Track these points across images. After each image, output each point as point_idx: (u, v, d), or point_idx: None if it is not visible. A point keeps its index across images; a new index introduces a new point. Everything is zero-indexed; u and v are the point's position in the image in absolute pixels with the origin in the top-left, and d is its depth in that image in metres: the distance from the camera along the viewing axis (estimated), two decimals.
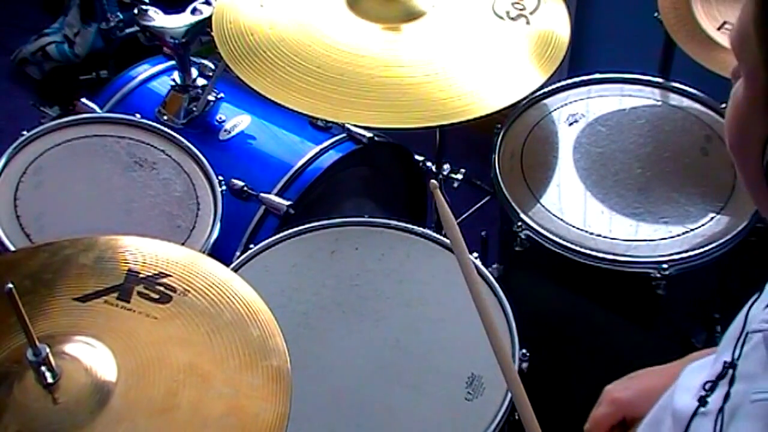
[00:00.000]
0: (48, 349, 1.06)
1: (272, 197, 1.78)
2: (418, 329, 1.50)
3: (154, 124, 1.82)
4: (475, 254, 1.57)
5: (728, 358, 0.88)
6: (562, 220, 1.70)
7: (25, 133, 1.74)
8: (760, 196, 0.83)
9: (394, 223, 1.64)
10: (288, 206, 1.76)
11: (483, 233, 1.95)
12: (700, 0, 1.80)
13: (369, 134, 1.89)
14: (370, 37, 1.66)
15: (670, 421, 0.96)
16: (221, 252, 1.64)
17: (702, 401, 0.89)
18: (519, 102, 1.70)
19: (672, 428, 0.94)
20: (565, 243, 1.65)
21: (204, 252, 1.61)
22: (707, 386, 0.89)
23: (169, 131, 1.80)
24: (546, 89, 1.88)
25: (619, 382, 1.18)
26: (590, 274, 1.65)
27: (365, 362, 1.46)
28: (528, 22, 1.70)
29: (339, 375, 1.44)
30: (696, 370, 0.96)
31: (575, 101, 1.90)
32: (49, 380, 1.07)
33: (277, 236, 1.63)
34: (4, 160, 1.69)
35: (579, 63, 2.36)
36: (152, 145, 1.78)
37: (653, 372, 1.18)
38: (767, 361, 0.83)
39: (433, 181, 1.11)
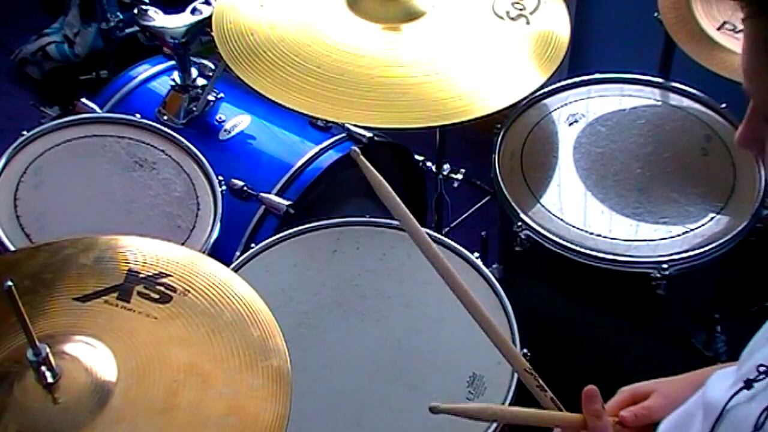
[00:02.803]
0: (48, 349, 1.06)
1: (272, 197, 1.78)
2: (419, 329, 1.50)
3: (154, 124, 1.82)
4: (476, 254, 1.57)
5: None
6: (562, 220, 1.70)
7: (25, 133, 1.74)
8: None
9: (395, 223, 1.64)
10: (288, 206, 1.76)
11: (483, 233, 1.95)
12: (700, 0, 1.80)
13: (369, 134, 1.89)
14: (370, 37, 1.66)
15: (699, 419, 0.95)
16: (221, 252, 1.64)
17: (748, 384, 0.89)
18: (519, 102, 1.70)
19: (702, 423, 0.94)
20: (565, 243, 1.65)
21: (204, 252, 1.61)
22: (761, 369, 0.88)
23: (169, 131, 1.80)
24: (546, 89, 1.88)
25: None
26: (590, 274, 1.65)
27: (366, 362, 1.46)
28: (528, 22, 1.70)
29: (340, 375, 1.44)
30: (724, 375, 0.95)
31: (575, 101, 1.90)
32: (49, 380, 1.07)
33: (278, 236, 1.63)
34: (4, 160, 1.69)
35: (579, 63, 2.36)
36: (152, 145, 1.78)
37: (669, 378, 1.18)
38: None
39: (354, 148, 1.11)
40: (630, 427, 1.12)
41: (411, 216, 1.12)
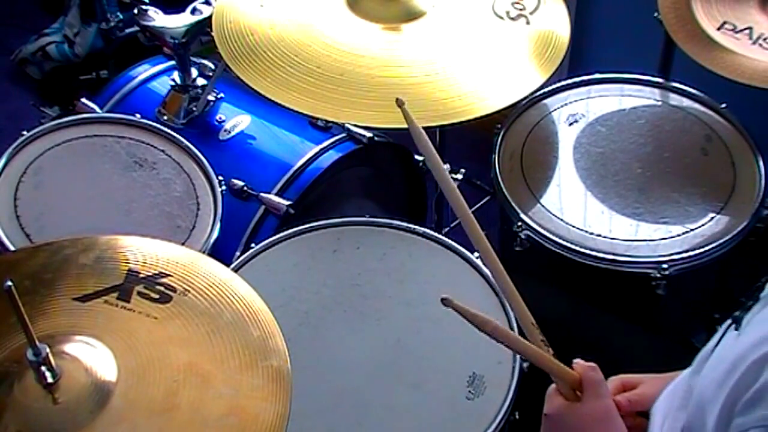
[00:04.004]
0: (48, 349, 1.06)
1: (272, 197, 1.78)
2: (420, 329, 1.50)
3: (154, 124, 1.82)
4: (476, 254, 1.57)
5: None
6: (562, 220, 1.70)
7: (25, 133, 1.74)
8: None
9: (395, 222, 1.64)
10: (288, 206, 1.76)
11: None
12: (700, 0, 1.80)
13: (369, 134, 1.89)
14: (370, 37, 1.66)
15: (686, 379, 0.97)
16: (221, 252, 1.64)
17: (735, 319, 0.90)
18: (519, 102, 1.70)
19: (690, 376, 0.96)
20: (565, 243, 1.65)
21: (204, 252, 1.61)
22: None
23: (169, 131, 1.80)
24: (546, 89, 1.88)
25: None
26: (590, 274, 1.65)
27: (366, 361, 1.46)
28: (528, 22, 1.70)
29: (340, 374, 1.44)
30: None
31: (575, 101, 1.90)
32: (49, 380, 1.07)
33: (279, 235, 1.63)
34: (4, 160, 1.69)
35: (579, 63, 2.36)
36: (152, 145, 1.78)
37: (656, 375, 1.19)
38: None
39: (399, 98, 1.14)
40: (624, 411, 1.13)
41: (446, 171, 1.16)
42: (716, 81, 1.68)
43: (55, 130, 1.77)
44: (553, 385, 1.11)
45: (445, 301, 1.01)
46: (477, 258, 1.56)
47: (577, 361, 1.11)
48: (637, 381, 1.17)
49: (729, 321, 0.96)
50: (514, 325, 1.45)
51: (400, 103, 1.12)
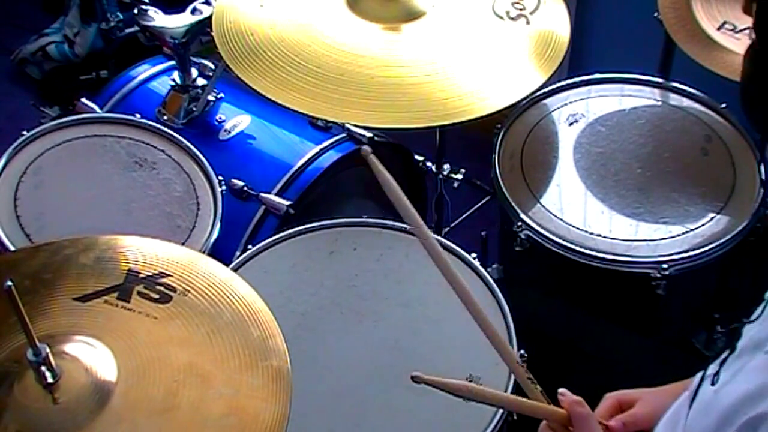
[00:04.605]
0: (48, 349, 1.06)
1: (272, 197, 1.78)
2: (417, 329, 1.50)
3: (154, 124, 1.82)
4: (474, 254, 1.57)
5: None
6: (562, 220, 1.70)
7: (25, 133, 1.74)
8: None
9: (392, 223, 1.64)
10: (288, 206, 1.76)
11: (483, 233, 1.95)
12: (700, 0, 1.80)
13: (369, 134, 1.89)
14: (370, 37, 1.66)
15: (686, 411, 0.96)
16: (221, 252, 1.64)
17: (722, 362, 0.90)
18: (519, 102, 1.70)
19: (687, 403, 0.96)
20: (565, 243, 1.65)
21: (204, 252, 1.61)
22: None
23: (169, 131, 1.80)
24: (546, 89, 1.88)
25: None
26: (590, 275, 1.65)
27: (364, 362, 1.46)
28: (528, 22, 1.70)
29: (338, 375, 1.44)
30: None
31: (575, 101, 1.90)
32: (49, 380, 1.07)
33: (276, 236, 1.63)
34: (4, 160, 1.70)
35: (579, 63, 2.36)
36: (152, 145, 1.78)
37: (653, 389, 1.19)
38: None
39: (365, 147, 1.10)
40: None
41: (418, 216, 1.12)
42: (716, 81, 1.68)
43: (55, 130, 1.77)
44: (544, 422, 1.11)
45: (415, 379, 1.00)
46: (474, 259, 1.56)
47: (563, 392, 1.10)
48: (633, 398, 1.17)
49: (713, 367, 0.95)
50: (512, 326, 1.46)
51: (365, 154, 1.10)
